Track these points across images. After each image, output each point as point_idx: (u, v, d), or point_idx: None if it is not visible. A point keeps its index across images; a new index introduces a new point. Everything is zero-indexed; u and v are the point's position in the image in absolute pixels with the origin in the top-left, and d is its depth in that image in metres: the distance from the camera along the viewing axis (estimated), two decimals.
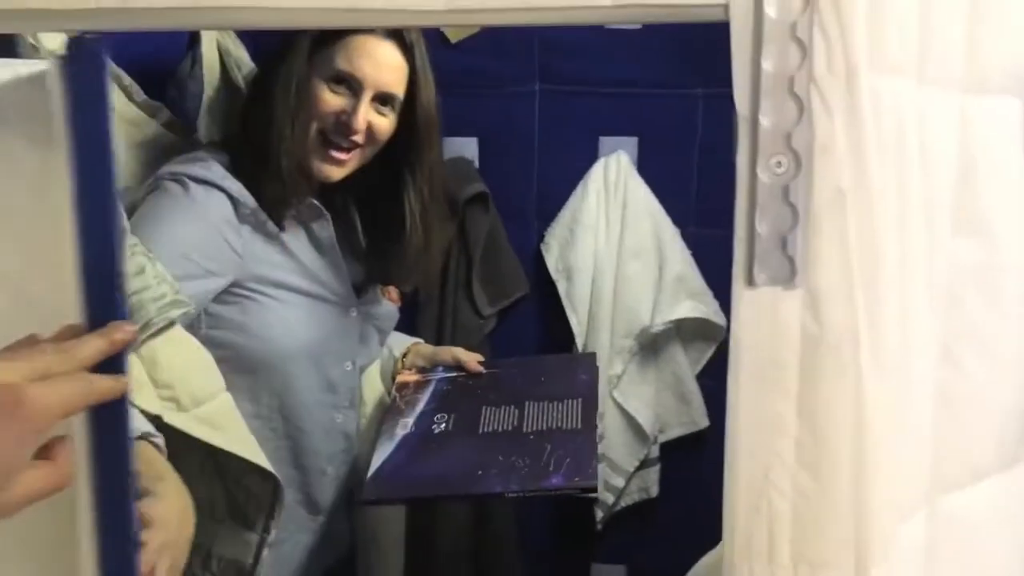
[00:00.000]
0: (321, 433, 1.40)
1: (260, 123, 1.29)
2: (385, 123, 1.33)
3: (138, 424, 0.98)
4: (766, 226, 0.58)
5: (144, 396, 1.09)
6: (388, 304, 1.53)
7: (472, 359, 1.51)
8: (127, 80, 1.38)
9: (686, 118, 1.91)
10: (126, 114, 1.37)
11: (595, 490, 1.21)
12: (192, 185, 1.24)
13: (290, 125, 1.28)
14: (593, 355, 1.60)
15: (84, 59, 0.65)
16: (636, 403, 1.97)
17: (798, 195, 0.58)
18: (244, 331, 1.29)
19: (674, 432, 2.02)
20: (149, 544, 0.85)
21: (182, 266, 1.19)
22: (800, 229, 0.58)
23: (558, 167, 1.96)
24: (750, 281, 0.59)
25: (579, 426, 1.33)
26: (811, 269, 0.59)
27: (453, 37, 1.91)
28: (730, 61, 0.58)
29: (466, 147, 1.96)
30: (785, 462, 0.61)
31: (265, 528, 1.22)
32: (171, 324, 1.10)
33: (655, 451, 2.02)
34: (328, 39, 1.30)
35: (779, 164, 0.58)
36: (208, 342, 1.22)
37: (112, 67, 1.36)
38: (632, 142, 1.94)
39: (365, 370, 1.52)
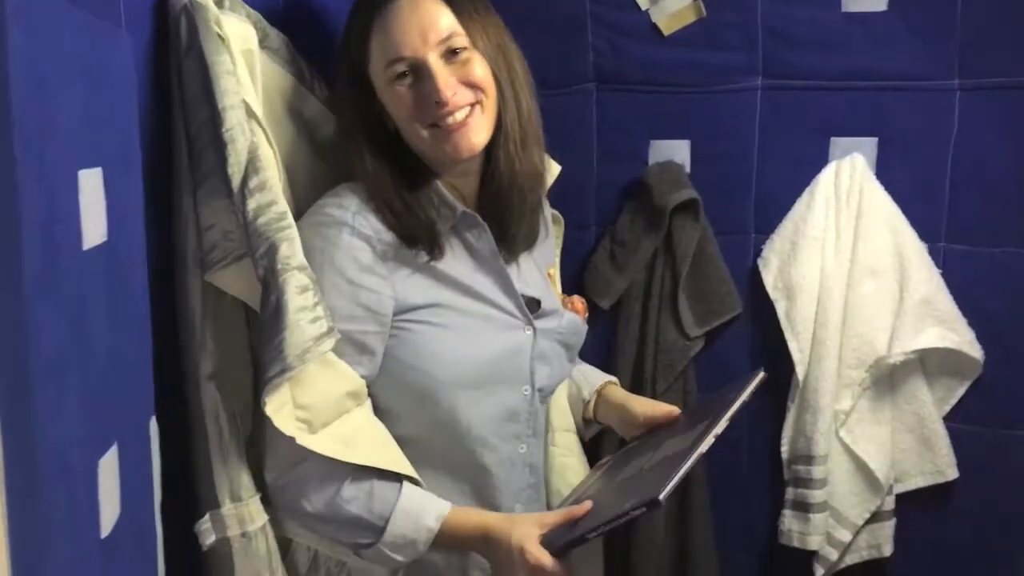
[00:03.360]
0: (506, 467, 1.26)
1: (365, 165, 1.22)
2: (471, 64, 1.18)
3: None
4: None
5: (283, 416, 1.07)
6: (571, 315, 1.37)
7: (640, 421, 1.34)
8: (308, 74, 1.32)
9: (937, 115, 1.64)
10: (304, 111, 1.31)
11: (657, 504, 1.04)
12: (326, 230, 1.17)
13: (383, 157, 1.21)
14: (757, 372, 1.31)
15: None
16: (867, 445, 1.70)
17: None
18: (401, 363, 1.19)
19: (913, 482, 1.74)
20: None
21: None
22: None
23: (780, 172, 1.74)
24: None
25: (687, 446, 1.15)
26: None
27: (666, 29, 1.74)
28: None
29: (677, 150, 1.78)
30: None
31: None
32: None
33: (890, 503, 1.74)
34: (363, 57, 1.21)
35: None
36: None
37: (299, 60, 1.30)
38: (870, 143, 1.69)
39: (551, 394, 1.36)
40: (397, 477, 1.15)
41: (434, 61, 1.16)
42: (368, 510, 1.13)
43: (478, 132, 1.19)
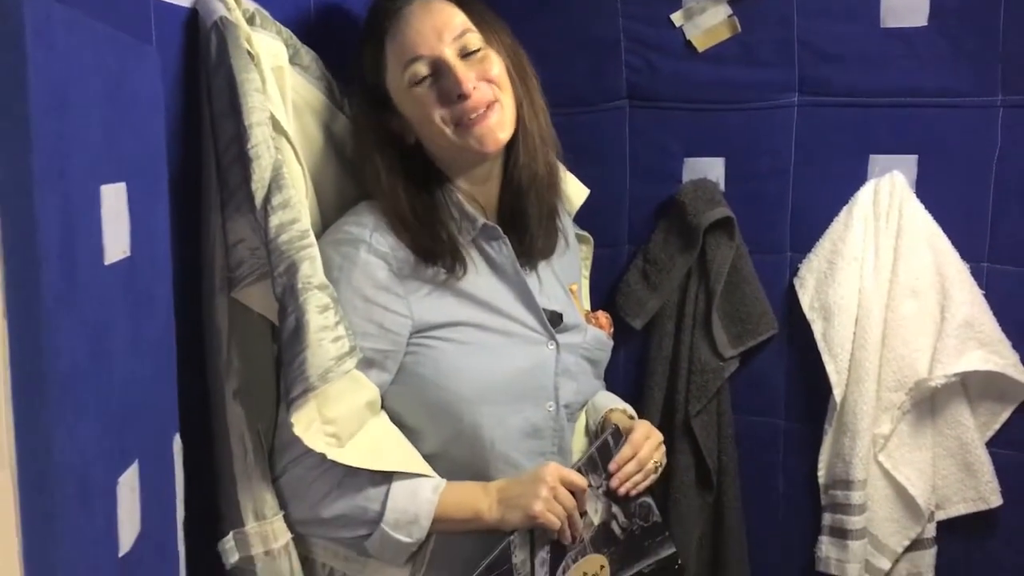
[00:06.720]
0: None
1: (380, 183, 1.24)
2: (488, 61, 1.20)
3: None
4: None
5: (312, 433, 1.07)
6: (595, 330, 1.35)
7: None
8: (338, 91, 1.32)
9: (980, 132, 1.59)
10: (333, 128, 1.32)
11: None
12: (344, 248, 1.18)
13: (399, 176, 1.23)
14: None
15: None
16: (908, 471, 1.65)
17: None
18: (423, 380, 1.19)
19: (955, 509, 1.68)
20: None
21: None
22: None
23: (818, 190, 1.70)
24: None
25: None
26: None
27: (700, 45, 1.72)
28: None
29: (711, 168, 1.75)
30: None
31: None
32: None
33: (931, 530, 1.69)
34: (378, 69, 1.23)
35: None
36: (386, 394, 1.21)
37: (329, 77, 1.30)
38: (910, 160, 1.65)
39: (579, 411, 1.34)
40: (385, 476, 1.15)
41: (451, 57, 1.18)
42: (365, 497, 1.13)
43: (501, 126, 1.21)
